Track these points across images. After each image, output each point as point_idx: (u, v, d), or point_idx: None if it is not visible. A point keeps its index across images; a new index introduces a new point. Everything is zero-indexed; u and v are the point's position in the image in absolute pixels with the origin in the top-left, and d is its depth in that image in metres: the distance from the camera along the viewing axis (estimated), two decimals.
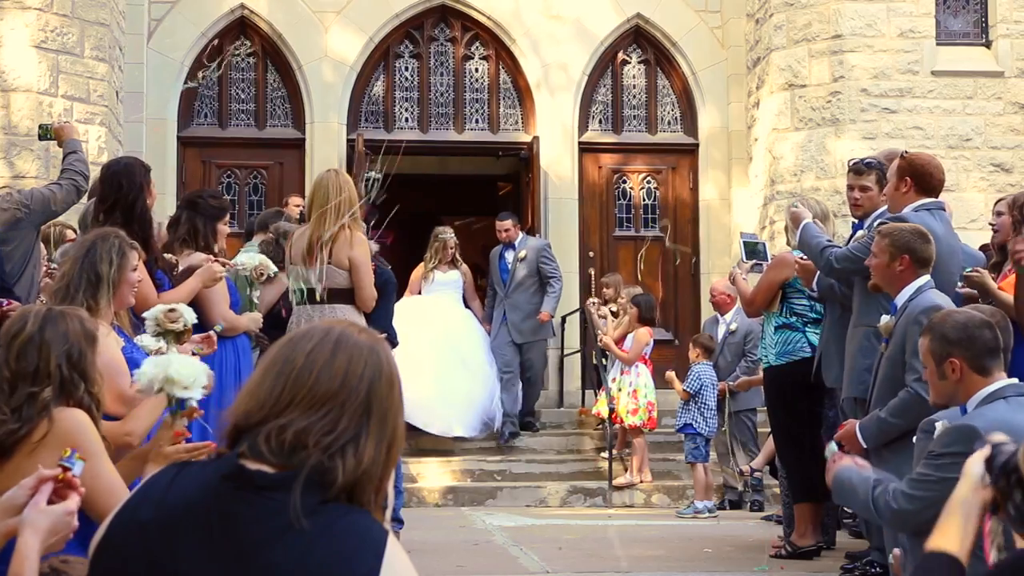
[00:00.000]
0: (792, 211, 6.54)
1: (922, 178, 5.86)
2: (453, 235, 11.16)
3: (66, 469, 2.49)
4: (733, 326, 10.02)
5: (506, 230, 11.04)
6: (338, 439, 1.85)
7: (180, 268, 5.66)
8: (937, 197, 5.93)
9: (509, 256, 11.06)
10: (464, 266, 11.23)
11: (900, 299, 5.18)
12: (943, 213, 5.89)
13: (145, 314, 4.31)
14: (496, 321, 10.96)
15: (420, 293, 11.01)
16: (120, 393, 3.88)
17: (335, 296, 6.05)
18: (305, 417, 1.85)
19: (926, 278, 5.20)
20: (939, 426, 3.91)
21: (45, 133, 6.76)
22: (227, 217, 6.08)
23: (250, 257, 6.15)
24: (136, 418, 3.76)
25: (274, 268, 6.19)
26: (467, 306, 11.25)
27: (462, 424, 10.59)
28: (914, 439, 4.19)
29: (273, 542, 1.78)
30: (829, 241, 6.16)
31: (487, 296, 11.33)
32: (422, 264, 11.07)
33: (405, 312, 9.95)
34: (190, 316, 4.39)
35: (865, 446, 5.19)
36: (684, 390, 9.70)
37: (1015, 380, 3.89)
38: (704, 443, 9.61)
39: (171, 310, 4.34)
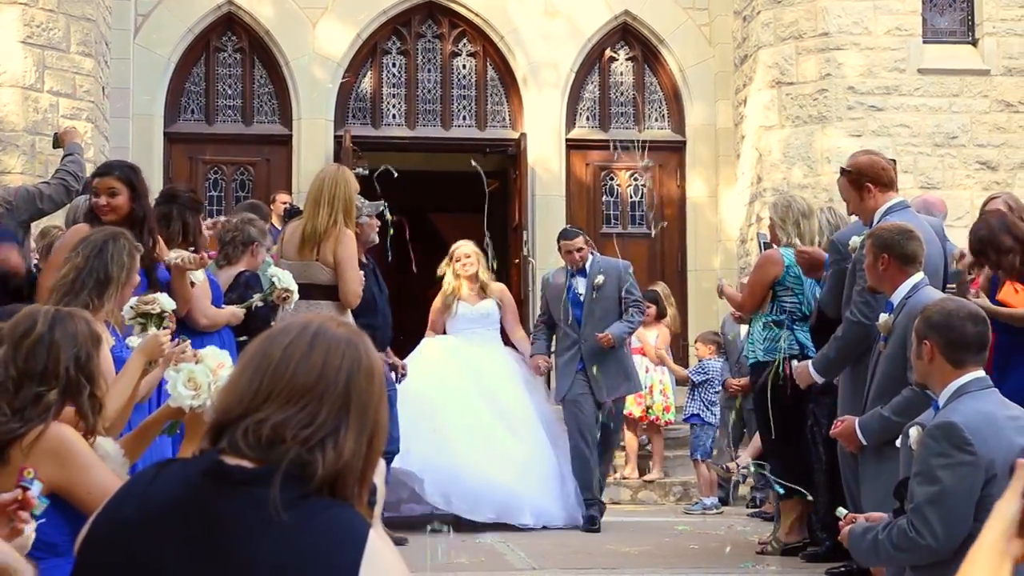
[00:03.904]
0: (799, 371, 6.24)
1: (878, 177, 5.84)
2: (473, 245, 8.53)
3: (24, 489, 2.56)
4: None
5: (578, 249, 8.18)
6: (317, 432, 1.85)
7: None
8: (895, 189, 5.92)
9: (580, 284, 8.21)
10: (498, 287, 8.63)
11: (896, 297, 5.18)
12: (907, 211, 5.88)
13: (123, 311, 4.31)
14: (568, 370, 8.14)
15: (445, 332, 8.47)
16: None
17: (316, 292, 6.02)
18: (283, 411, 1.85)
19: (920, 276, 5.19)
20: (913, 432, 3.92)
21: (58, 142, 6.82)
22: (203, 211, 6.08)
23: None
24: (107, 400, 3.75)
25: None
26: (506, 341, 8.61)
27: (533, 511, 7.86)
28: (897, 443, 4.20)
29: (253, 537, 1.78)
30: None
31: (538, 331, 8.47)
32: (440, 293, 8.53)
33: (426, 361, 8.00)
34: (167, 303, 4.38)
35: (865, 443, 5.18)
36: (688, 375, 9.80)
37: (980, 374, 3.91)
38: (709, 437, 9.67)
39: (145, 295, 4.36)
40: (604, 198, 13.03)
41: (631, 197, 13.04)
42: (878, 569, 4.24)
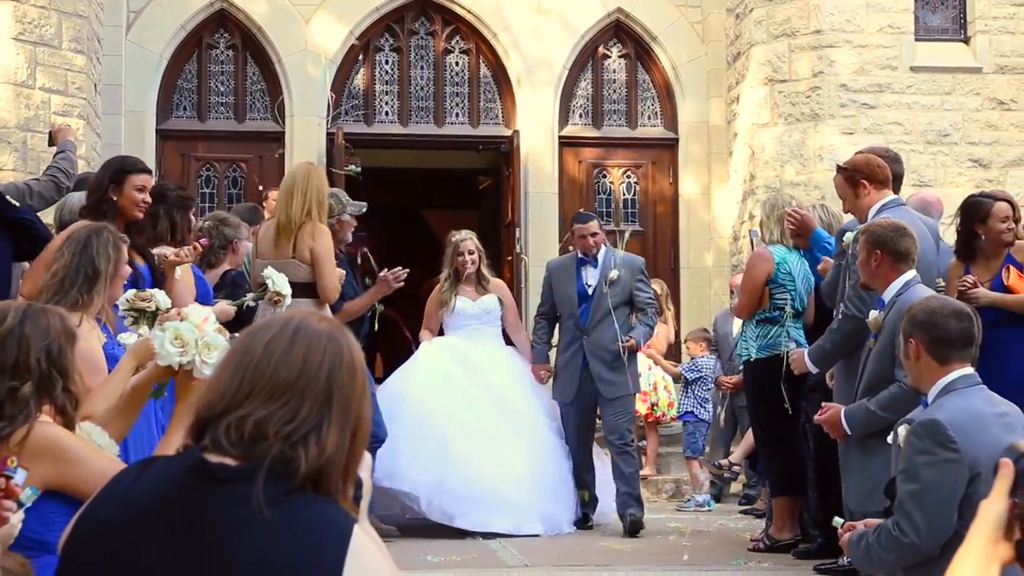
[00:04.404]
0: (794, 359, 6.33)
1: (873, 174, 5.87)
2: (475, 240, 8.06)
3: (8, 478, 2.58)
4: None
5: (593, 234, 7.79)
6: (299, 428, 1.84)
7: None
8: (891, 188, 5.95)
9: (590, 275, 7.77)
10: (498, 283, 8.22)
11: (888, 294, 5.20)
12: (901, 209, 5.90)
13: (118, 302, 4.32)
14: (570, 368, 7.75)
15: (442, 332, 8.03)
16: (91, 391, 3.87)
17: (295, 290, 5.99)
18: (265, 407, 1.84)
19: (912, 273, 5.21)
20: (901, 431, 3.94)
21: (53, 139, 6.82)
22: (195, 207, 6.02)
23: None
24: (96, 399, 3.76)
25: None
26: (507, 341, 8.20)
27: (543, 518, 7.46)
28: (889, 439, 4.23)
29: (237, 535, 1.77)
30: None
31: (538, 328, 8.05)
32: (436, 287, 8.09)
33: (425, 370, 7.63)
34: (163, 301, 4.39)
35: (849, 433, 5.22)
36: (680, 372, 9.79)
37: (967, 370, 3.92)
38: (702, 435, 9.69)
39: (142, 290, 4.37)
40: (597, 195, 13.02)
41: (624, 195, 13.04)
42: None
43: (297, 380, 1.87)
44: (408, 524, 7.47)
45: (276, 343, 1.90)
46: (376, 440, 6.53)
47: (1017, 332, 5.81)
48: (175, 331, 3.30)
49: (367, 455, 1.96)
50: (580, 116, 13.11)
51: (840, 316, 5.76)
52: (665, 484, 10.36)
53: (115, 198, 5.28)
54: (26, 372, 3.17)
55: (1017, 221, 6.15)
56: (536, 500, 7.40)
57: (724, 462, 9.59)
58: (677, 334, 11.85)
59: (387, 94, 12.94)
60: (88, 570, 1.84)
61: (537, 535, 7.28)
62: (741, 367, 7.48)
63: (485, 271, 8.00)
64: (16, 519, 2.76)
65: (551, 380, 7.99)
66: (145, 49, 12.39)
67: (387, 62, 12.97)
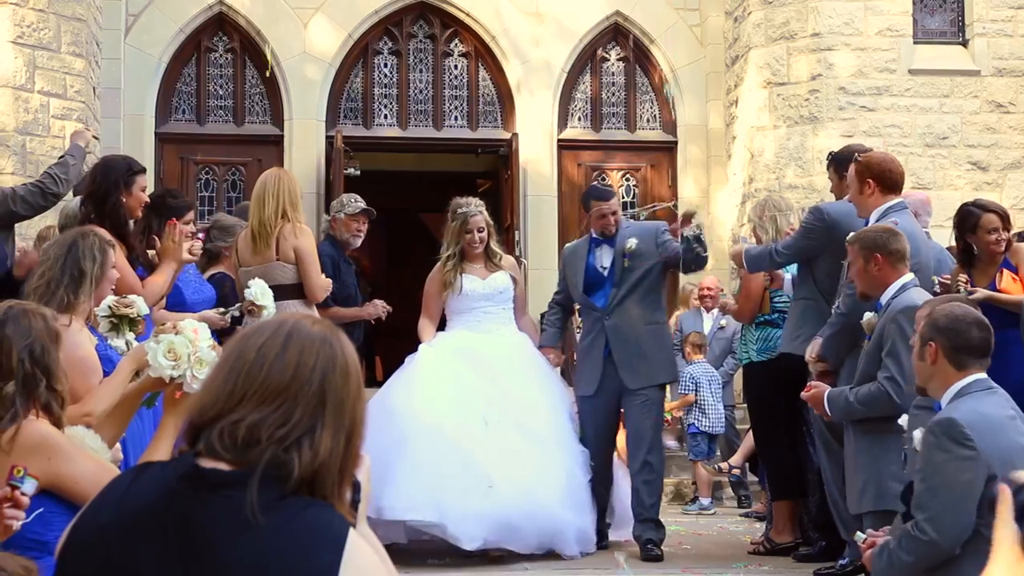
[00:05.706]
0: (734, 250, 6.62)
1: (882, 177, 5.88)
2: (485, 214, 7.03)
3: (14, 488, 2.56)
4: (723, 322, 10.10)
5: (613, 212, 6.83)
6: (292, 432, 1.83)
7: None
8: (900, 192, 5.97)
9: (604, 255, 6.83)
10: (510, 260, 7.20)
11: (885, 297, 5.23)
12: (906, 212, 5.93)
13: (97, 309, 4.30)
14: (592, 355, 6.80)
15: (444, 320, 7.07)
16: (91, 391, 3.87)
17: (282, 292, 5.97)
18: (258, 411, 1.83)
19: (909, 276, 5.23)
20: (917, 434, 3.97)
21: None
22: (188, 215, 5.94)
23: None
24: (96, 399, 3.75)
25: None
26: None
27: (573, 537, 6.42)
28: (910, 438, 4.27)
29: (231, 540, 1.76)
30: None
31: (551, 313, 7.22)
32: (438, 265, 7.04)
33: (426, 382, 6.60)
34: (143, 306, 4.38)
35: (830, 415, 5.30)
36: (682, 394, 9.76)
37: (982, 375, 3.97)
38: (706, 440, 9.69)
39: (123, 296, 4.36)
40: None
41: (623, 197, 13.04)
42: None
43: (290, 384, 1.86)
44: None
45: (269, 347, 1.89)
46: None
47: (1016, 335, 5.84)
48: (169, 344, 3.30)
49: (366, 458, 1.96)
50: (579, 119, 13.11)
51: (834, 313, 5.83)
52: (665, 487, 10.34)
53: (125, 199, 5.33)
54: (8, 374, 3.17)
55: (1008, 229, 6.19)
56: (566, 516, 6.41)
57: (724, 464, 9.59)
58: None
59: (386, 97, 12.95)
60: None
61: (574, 555, 6.39)
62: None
63: (495, 246, 7.03)
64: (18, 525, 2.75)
65: (568, 374, 7.33)
66: (144, 52, 12.39)
67: (386, 65, 12.98)
